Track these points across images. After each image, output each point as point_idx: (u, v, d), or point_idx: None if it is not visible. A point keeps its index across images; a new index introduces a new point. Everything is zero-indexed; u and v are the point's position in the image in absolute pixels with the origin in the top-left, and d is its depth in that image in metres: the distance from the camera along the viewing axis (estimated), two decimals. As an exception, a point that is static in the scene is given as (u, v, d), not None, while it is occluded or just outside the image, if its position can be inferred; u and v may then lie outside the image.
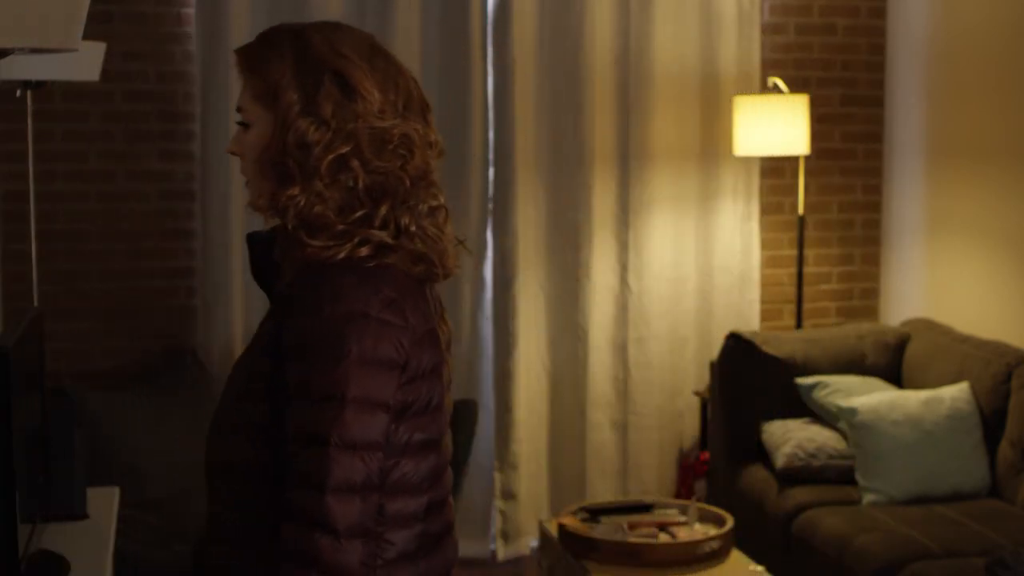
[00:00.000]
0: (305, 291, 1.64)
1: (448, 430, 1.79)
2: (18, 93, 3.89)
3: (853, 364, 4.63)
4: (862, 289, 5.36)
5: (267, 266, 1.80)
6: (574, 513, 4.03)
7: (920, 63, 5.07)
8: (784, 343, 4.67)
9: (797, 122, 4.77)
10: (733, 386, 4.63)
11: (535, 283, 4.95)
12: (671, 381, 5.11)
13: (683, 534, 3.84)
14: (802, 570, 4.04)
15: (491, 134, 4.89)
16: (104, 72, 3.89)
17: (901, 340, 4.73)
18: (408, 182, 1.72)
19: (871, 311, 5.35)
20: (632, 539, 3.79)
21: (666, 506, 4.12)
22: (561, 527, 3.90)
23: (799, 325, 5.04)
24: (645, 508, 4.09)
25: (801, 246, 5.02)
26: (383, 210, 1.69)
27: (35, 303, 4.12)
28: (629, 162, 5.00)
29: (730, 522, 3.87)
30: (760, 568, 3.76)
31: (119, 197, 4.69)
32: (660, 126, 5.01)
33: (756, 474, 4.45)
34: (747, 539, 4.06)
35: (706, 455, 4.93)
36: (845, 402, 4.28)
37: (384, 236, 1.68)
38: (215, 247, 4.67)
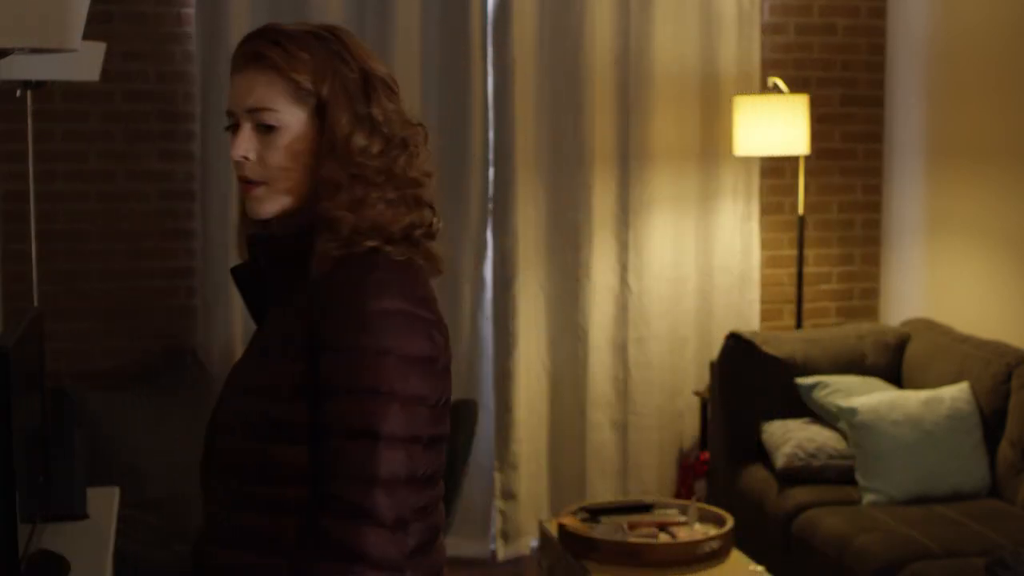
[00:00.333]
0: (342, 288, 1.64)
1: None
2: (18, 93, 3.89)
3: (853, 364, 4.63)
4: (862, 289, 5.36)
5: (255, 274, 1.80)
6: (574, 513, 4.03)
7: (920, 63, 5.07)
8: (784, 343, 4.67)
9: (797, 122, 4.77)
10: (733, 386, 4.63)
11: (535, 283, 4.95)
12: (671, 381, 5.11)
13: (683, 534, 3.83)
14: (802, 570, 4.04)
15: (491, 134, 4.89)
16: (104, 72, 3.89)
17: (901, 340, 4.73)
18: (432, 181, 1.77)
19: (871, 311, 5.35)
20: (632, 539, 3.79)
21: (666, 506, 4.12)
22: (561, 527, 3.90)
23: (799, 325, 5.04)
24: (645, 508, 4.09)
25: (801, 246, 5.02)
26: (424, 211, 1.74)
27: (35, 303, 4.12)
28: (629, 162, 5.00)
29: (730, 522, 3.87)
30: (760, 568, 3.76)
31: (119, 197, 4.69)
32: (660, 126, 5.01)
33: (756, 474, 4.45)
34: (747, 539, 4.06)
35: (706, 455, 4.93)
36: (845, 402, 4.28)
37: (418, 234, 1.73)
38: (215, 247, 4.67)
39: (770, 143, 4.81)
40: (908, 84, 5.15)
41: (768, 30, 5.17)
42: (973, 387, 4.24)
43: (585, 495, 4.95)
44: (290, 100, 1.68)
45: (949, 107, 4.90)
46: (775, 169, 5.21)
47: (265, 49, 1.69)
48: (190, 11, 4.67)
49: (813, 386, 4.47)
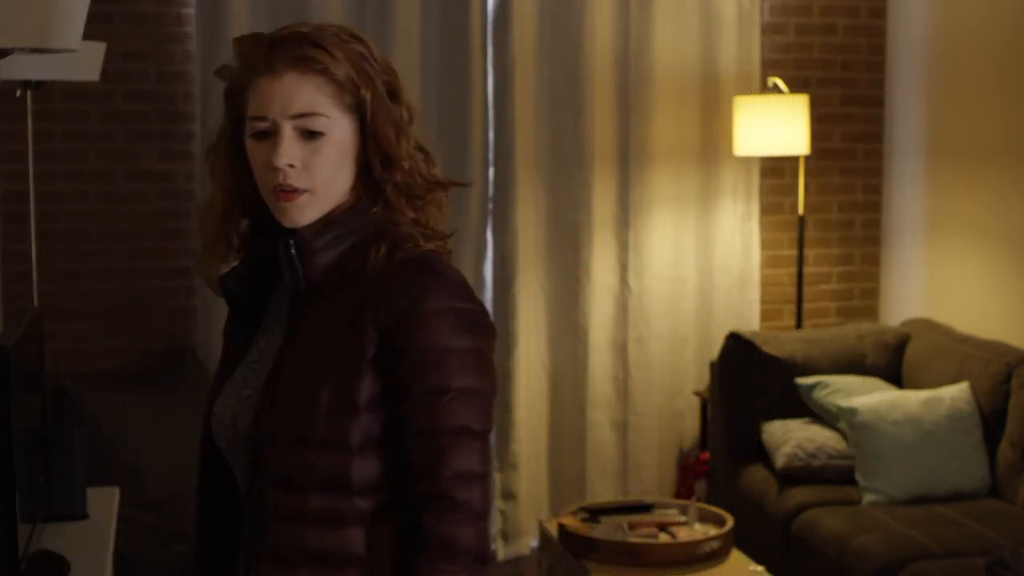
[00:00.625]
0: (415, 292, 1.64)
1: None
2: (18, 93, 3.89)
3: (853, 364, 4.63)
4: (862, 289, 5.36)
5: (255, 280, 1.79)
6: (574, 513, 4.03)
7: (920, 63, 5.07)
8: (784, 343, 4.67)
9: (797, 122, 4.77)
10: (733, 386, 4.63)
11: (535, 283, 4.95)
12: (671, 381, 5.11)
13: (683, 534, 3.83)
14: (802, 570, 4.04)
15: (491, 134, 4.89)
16: (104, 72, 3.89)
17: (901, 340, 4.73)
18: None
19: (871, 311, 5.35)
20: (632, 539, 3.79)
21: (666, 506, 4.12)
22: (561, 527, 3.90)
23: (799, 325, 5.04)
24: (645, 508, 4.09)
25: (801, 246, 5.02)
26: (447, 210, 1.78)
27: (35, 303, 4.12)
28: (629, 162, 5.00)
29: (730, 522, 3.87)
30: (760, 568, 3.76)
31: (119, 197, 4.69)
32: (660, 126, 5.01)
33: (756, 474, 4.45)
34: (747, 539, 4.05)
35: (706, 455, 4.93)
36: (845, 402, 4.28)
37: (450, 234, 1.78)
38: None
39: (770, 143, 4.81)
40: (908, 84, 5.14)
41: (768, 30, 5.17)
42: (973, 387, 4.24)
43: (585, 495, 4.95)
44: (336, 105, 1.67)
45: (949, 107, 4.90)
46: (775, 169, 5.21)
47: (310, 52, 1.66)
48: (190, 11, 4.67)
49: (813, 386, 4.47)
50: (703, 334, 5.13)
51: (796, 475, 4.28)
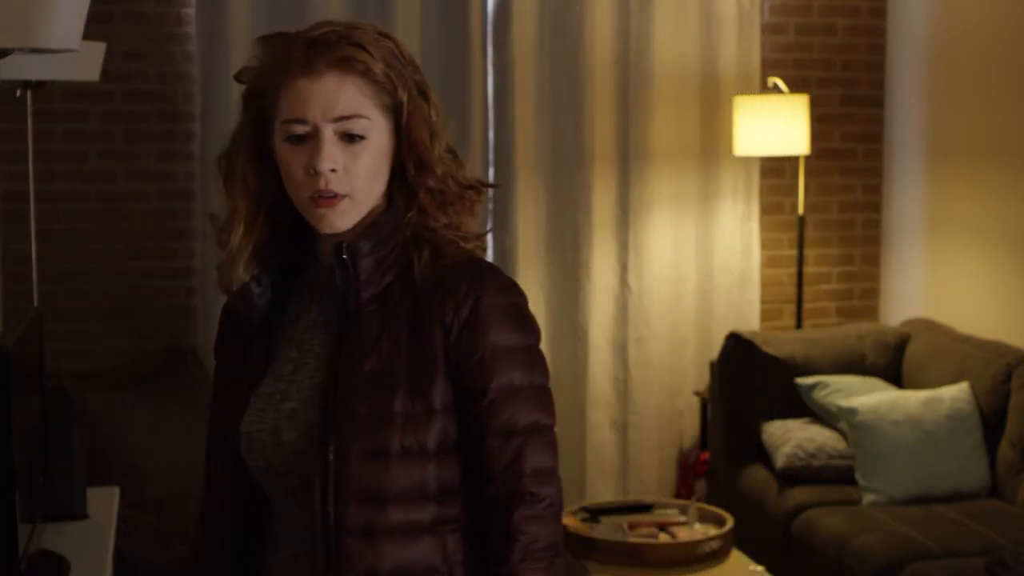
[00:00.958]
0: (476, 294, 1.65)
1: None
2: (18, 93, 3.89)
3: (853, 364, 4.63)
4: (862, 289, 5.36)
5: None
6: (574, 513, 4.03)
7: (920, 63, 5.07)
8: (784, 343, 4.67)
9: (797, 122, 4.77)
10: (733, 386, 4.63)
11: (535, 283, 4.94)
12: (671, 381, 5.10)
13: (683, 534, 3.84)
14: (802, 570, 4.04)
15: (491, 134, 4.89)
16: (104, 72, 3.89)
17: (901, 340, 4.73)
18: None
19: (871, 311, 5.35)
20: (632, 539, 3.79)
21: (666, 506, 4.12)
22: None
23: (799, 325, 5.04)
24: (645, 508, 4.10)
25: (801, 246, 5.02)
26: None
27: (35, 303, 4.12)
28: (629, 162, 5.00)
29: (730, 522, 3.87)
30: (760, 568, 3.76)
31: (119, 197, 4.69)
32: (660, 126, 5.01)
33: (756, 474, 4.45)
34: (747, 539, 4.06)
35: (706, 455, 4.93)
36: (845, 402, 4.28)
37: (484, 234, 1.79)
38: (215, 247, 4.65)
39: (770, 143, 4.81)
40: (908, 84, 5.14)
41: (768, 30, 5.17)
42: (973, 387, 4.24)
43: (585, 495, 4.95)
44: (378, 107, 1.63)
45: (949, 107, 4.90)
46: (775, 169, 5.21)
47: (351, 52, 1.60)
48: (190, 11, 4.67)
49: (813, 386, 4.47)
50: (703, 334, 5.13)
51: (796, 475, 4.28)
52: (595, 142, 4.95)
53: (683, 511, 4.02)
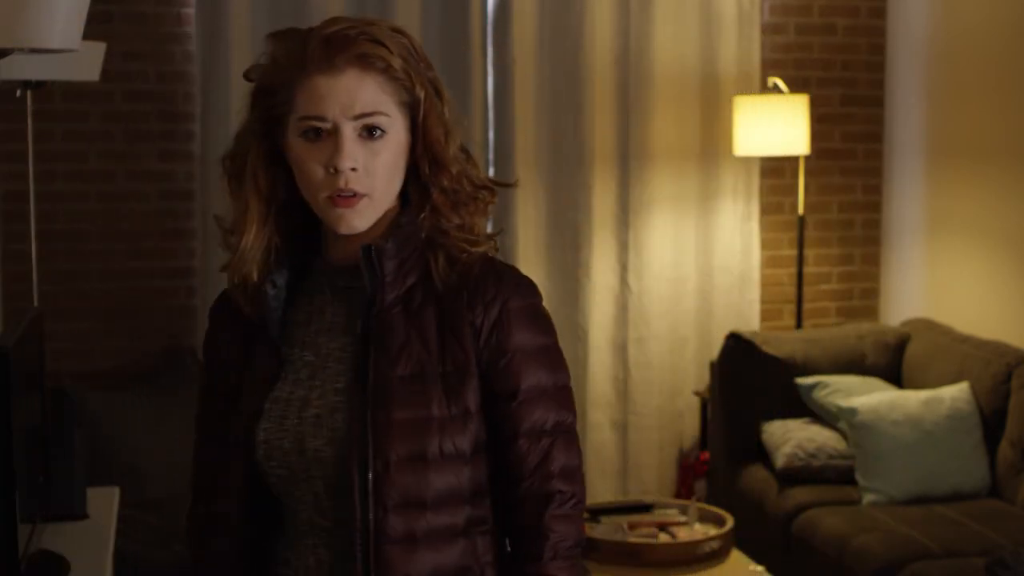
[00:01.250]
0: (502, 295, 1.65)
1: None
2: (18, 93, 3.89)
3: (853, 364, 4.63)
4: (862, 289, 5.35)
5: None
6: (574, 513, 4.02)
7: (920, 63, 5.07)
8: (784, 343, 4.67)
9: (797, 122, 4.77)
10: (733, 386, 4.63)
11: (535, 283, 4.94)
12: (671, 381, 5.10)
13: (683, 534, 3.84)
14: (802, 570, 4.04)
15: (491, 134, 4.89)
16: (104, 72, 3.89)
17: (901, 340, 4.73)
18: None
19: (871, 311, 5.35)
20: (632, 539, 3.79)
21: (666, 506, 4.12)
22: (561, 527, 3.89)
23: (799, 325, 5.04)
24: (645, 508, 4.10)
25: (801, 246, 5.02)
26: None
27: (35, 303, 4.12)
28: (629, 162, 5.00)
29: (730, 522, 3.87)
30: (760, 568, 3.76)
31: (119, 197, 4.69)
32: (660, 126, 5.01)
33: (756, 474, 4.45)
34: (747, 539, 4.06)
35: (706, 455, 4.93)
36: (845, 402, 4.28)
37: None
38: (215, 247, 4.66)
39: (770, 143, 4.81)
40: (908, 84, 5.14)
41: (768, 30, 5.17)
42: (973, 387, 4.24)
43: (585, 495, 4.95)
44: (397, 104, 1.61)
45: (949, 107, 4.90)
46: (775, 169, 5.21)
47: (371, 49, 1.57)
48: (190, 11, 4.67)
49: (813, 386, 4.46)
50: (703, 334, 5.13)
51: (796, 475, 4.28)
52: (595, 142, 4.95)
53: (683, 511, 4.01)
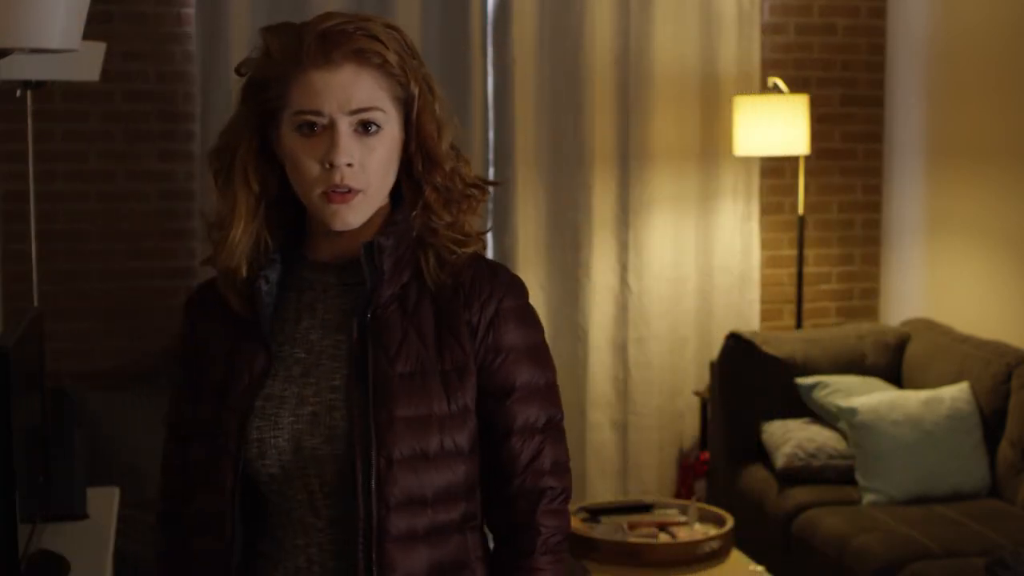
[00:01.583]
0: (498, 293, 1.68)
1: None
2: (18, 93, 3.89)
3: (853, 364, 4.63)
4: (862, 289, 5.36)
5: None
6: (574, 513, 4.03)
7: (920, 63, 5.07)
8: (784, 343, 4.67)
9: (797, 122, 4.77)
10: (733, 386, 4.63)
11: (535, 283, 4.94)
12: (671, 381, 5.11)
13: (683, 534, 3.84)
14: (802, 570, 4.04)
15: (491, 134, 4.90)
16: (104, 72, 3.89)
17: (901, 340, 4.73)
18: None
19: (871, 311, 5.35)
20: (632, 539, 3.79)
21: (666, 506, 4.12)
22: (561, 527, 3.89)
23: (799, 325, 5.04)
24: (645, 508, 4.10)
25: (801, 246, 5.02)
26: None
27: (35, 303, 4.12)
28: (629, 162, 5.00)
29: (730, 522, 3.87)
30: (760, 568, 3.76)
31: (119, 197, 4.69)
32: (660, 126, 5.01)
33: (756, 474, 4.45)
34: (747, 539, 4.06)
35: (706, 455, 4.93)
36: (845, 402, 4.28)
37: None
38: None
39: (770, 143, 4.81)
40: (908, 84, 5.14)
41: (768, 30, 5.17)
42: (973, 387, 4.24)
43: (585, 495, 4.95)
44: (392, 100, 1.61)
45: (949, 107, 4.90)
46: (775, 169, 5.21)
47: (367, 44, 1.57)
48: (190, 11, 4.67)
49: (813, 386, 4.47)
50: (703, 334, 5.13)
51: (796, 475, 4.28)
52: (595, 142, 4.95)
53: (683, 511, 4.02)
